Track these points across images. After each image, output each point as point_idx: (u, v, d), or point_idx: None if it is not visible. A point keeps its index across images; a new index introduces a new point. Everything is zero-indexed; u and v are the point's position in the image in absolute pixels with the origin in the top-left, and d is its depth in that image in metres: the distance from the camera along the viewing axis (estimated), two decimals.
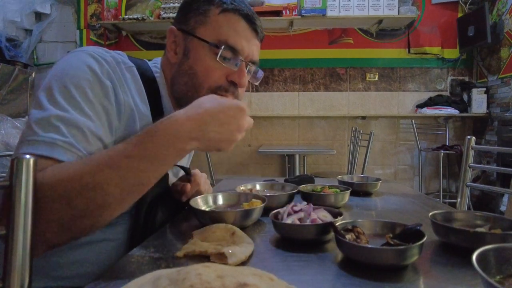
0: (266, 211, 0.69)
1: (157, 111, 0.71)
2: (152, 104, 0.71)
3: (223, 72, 0.70)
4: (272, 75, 3.68)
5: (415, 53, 3.56)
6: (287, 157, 3.34)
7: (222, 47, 0.68)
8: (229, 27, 0.69)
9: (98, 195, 0.50)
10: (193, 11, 0.71)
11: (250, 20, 0.71)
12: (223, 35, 0.69)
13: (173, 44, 0.73)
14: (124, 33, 3.68)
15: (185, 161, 0.95)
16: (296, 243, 0.59)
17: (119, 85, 0.63)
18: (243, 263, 0.50)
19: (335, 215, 0.63)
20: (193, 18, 0.71)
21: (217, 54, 0.68)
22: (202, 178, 0.82)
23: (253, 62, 0.75)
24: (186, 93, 0.71)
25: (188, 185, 0.76)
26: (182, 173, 0.86)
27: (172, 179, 0.84)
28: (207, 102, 0.57)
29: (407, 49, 3.56)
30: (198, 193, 0.80)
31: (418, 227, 0.52)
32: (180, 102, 0.73)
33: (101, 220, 0.53)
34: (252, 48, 0.73)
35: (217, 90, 0.70)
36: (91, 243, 0.65)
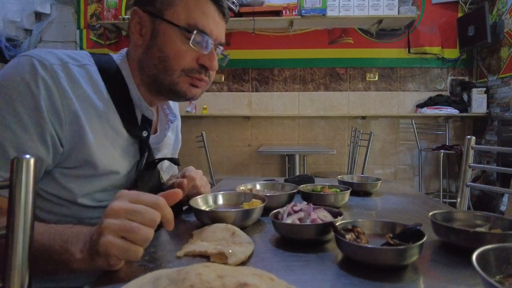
0: (266, 211, 0.69)
1: (124, 103, 0.71)
2: (119, 98, 0.70)
3: (194, 56, 0.70)
4: (272, 75, 3.68)
5: (415, 53, 3.56)
6: (287, 157, 3.34)
7: (194, 32, 0.67)
8: (197, 10, 0.68)
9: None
10: None
11: (217, 2, 0.71)
12: (192, 18, 0.68)
13: (138, 26, 0.71)
14: (124, 33, 3.68)
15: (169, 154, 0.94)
16: (296, 243, 0.58)
17: (56, 89, 0.61)
18: (243, 263, 0.50)
19: (335, 215, 0.63)
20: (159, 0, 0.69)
21: (188, 39, 0.68)
22: (197, 173, 0.80)
23: (221, 44, 0.75)
24: (158, 76, 0.70)
25: (184, 180, 0.75)
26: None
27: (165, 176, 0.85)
28: None
29: (407, 49, 3.56)
30: (195, 188, 0.79)
31: (418, 227, 0.52)
32: (152, 86, 0.73)
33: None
34: (220, 30, 0.72)
35: (189, 73, 0.70)
36: None
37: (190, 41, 0.67)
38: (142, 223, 0.45)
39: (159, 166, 0.80)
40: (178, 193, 0.53)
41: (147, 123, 0.76)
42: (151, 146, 0.79)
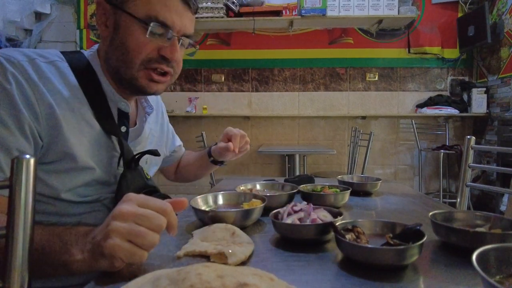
0: (266, 211, 0.69)
1: (96, 97, 0.71)
2: (91, 92, 0.70)
3: (154, 47, 0.69)
4: (272, 75, 3.68)
5: (415, 53, 3.56)
6: (287, 157, 3.34)
7: (151, 23, 0.67)
8: (158, 1, 0.67)
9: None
10: None
11: None
12: (153, 10, 0.67)
13: (103, 17, 0.71)
14: None
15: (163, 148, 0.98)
16: (296, 243, 0.58)
17: (27, 84, 0.61)
18: (243, 263, 0.50)
19: (335, 215, 0.63)
20: None
21: (147, 30, 0.67)
22: (240, 131, 0.93)
23: (187, 36, 0.74)
24: (119, 69, 0.71)
25: (230, 144, 0.87)
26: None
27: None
28: None
29: (407, 49, 3.56)
30: (247, 143, 0.94)
31: (418, 227, 0.52)
32: (114, 78, 0.73)
33: None
34: (184, 22, 0.71)
35: (149, 64, 0.70)
36: None
37: (147, 33, 0.67)
38: (149, 228, 0.46)
39: (142, 161, 0.78)
40: (184, 203, 0.53)
41: (124, 117, 0.76)
42: (132, 140, 0.78)
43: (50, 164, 0.65)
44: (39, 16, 3.66)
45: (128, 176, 0.73)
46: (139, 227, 0.45)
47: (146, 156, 0.79)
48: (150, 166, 0.89)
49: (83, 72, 0.71)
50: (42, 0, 3.55)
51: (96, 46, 0.77)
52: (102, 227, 0.48)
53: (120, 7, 0.68)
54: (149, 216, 0.46)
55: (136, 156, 0.75)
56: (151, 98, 0.89)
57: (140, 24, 0.67)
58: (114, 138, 0.73)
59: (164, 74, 0.73)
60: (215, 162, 1.03)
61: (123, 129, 0.76)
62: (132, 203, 0.47)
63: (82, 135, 0.67)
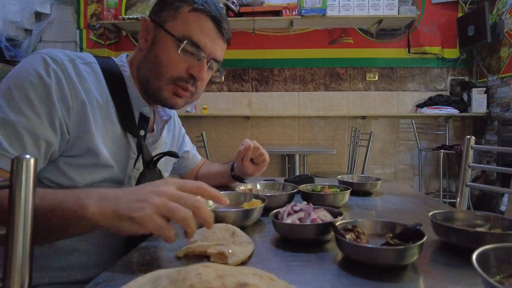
0: (266, 211, 0.69)
1: (121, 100, 0.76)
2: (117, 95, 0.75)
3: (184, 65, 0.75)
4: (272, 75, 3.68)
5: (415, 53, 3.56)
6: (287, 157, 3.35)
7: (185, 41, 0.73)
8: (195, 25, 0.74)
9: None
10: (167, 5, 0.76)
11: (217, 21, 0.76)
12: (188, 31, 0.74)
13: (145, 32, 0.78)
14: (124, 33, 3.68)
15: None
16: (296, 243, 0.58)
17: (65, 80, 0.66)
18: (243, 263, 0.50)
19: (335, 215, 0.63)
20: (166, 11, 0.76)
21: (180, 47, 0.73)
22: (254, 142, 0.94)
23: (216, 60, 0.79)
24: (149, 79, 0.76)
25: (242, 148, 0.91)
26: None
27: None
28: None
29: (407, 49, 3.56)
30: (261, 155, 0.96)
31: (418, 227, 0.52)
32: (143, 86, 0.79)
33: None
34: (215, 47, 0.77)
35: (177, 81, 0.75)
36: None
37: (179, 49, 0.73)
38: (184, 206, 0.48)
39: (159, 164, 0.82)
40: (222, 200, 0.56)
41: (144, 121, 0.81)
42: (149, 145, 0.82)
43: (74, 157, 0.69)
44: (39, 16, 3.66)
45: (148, 175, 0.77)
46: (173, 203, 0.47)
47: (161, 160, 0.82)
48: (163, 171, 0.91)
49: (113, 75, 0.77)
50: (42, 0, 3.55)
51: (124, 55, 0.84)
52: (135, 194, 0.49)
53: (161, 25, 0.75)
54: (185, 196, 0.49)
55: (155, 158, 0.79)
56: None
57: (175, 42, 0.73)
58: (132, 140, 0.77)
59: (185, 89, 0.77)
60: (235, 177, 1.05)
61: (142, 132, 0.80)
62: (171, 185, 0.51)
63: (106, 134, 0.72)
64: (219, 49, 0.79)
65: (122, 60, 0.82)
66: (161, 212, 0.47)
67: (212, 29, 0.76)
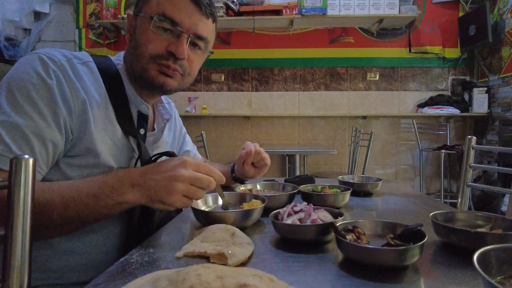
0: (266, 211, 0.68)
1: (118, 98, 0.75)
2: (115, 94, 0.75)
3: (163, 43, 0.73)
4: (272, 75, 3.68)
5: (416, 53, 3.55)
6: (287, 157, 3.34)
7: (155, 16, 0.72)
8: (168, 2, 0.73)
9: (42, 216, 0.57)
10: None
11: None
12: (161, 8, 0.73)
13: (129, 26, 0.79)
14: (123, 32, 3.68)
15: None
16: (296, 243, 0.58)
17: (65, 81, 0.66)
18: (243, 264, 0.50)
19: (336, 215, 0.63)
20: (142, 0, 0.76)
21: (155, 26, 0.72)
22: (256, 146, 0.98)
23: (199, 37, 0.76)
24: (133, 64, 0.76)
25: (243, 152, 0.94)
26: None
27: None
28: (160, 161, 0.66)
29: (408, 49, 3.55)
30: (263, 159, 0.99)
31: (419, 227, 0.51)
32: (133, 76, 0.78)
33: (38, 237, 0.61)
34: (193, 22, 0.74)
35: (158, 59, 0.73)
36: (77, 234, 0.68)
37: (151, 25, 0.72)
38: (200, 187, 0.62)
39: None
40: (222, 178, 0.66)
41: (143, 119, 0.80)
42: (150, 144, 0.82)
43: (74, 157, 0.69)
44: (38, 15, 3.66)
45: None
46: (193, 187, 0.61)
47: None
48: None
49: (109, 75, 0.76)
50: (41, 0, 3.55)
51: (122, 53, 0.83)
52: (163, 181, 0.60)
53: (138, 12, 0.75)
54: (201, 178, 0.61)
55: (153, 158, 0.78)
56: (169, 108, 0.93)
57: (149, 21, 0.72)
58: (132, 140, 0.76)
59: (168, 67, 0.75)
60: (236, 179, 1.05)
61: (142, 131, 0.79)
62: (189, 167, 0.61)
63: (106, 134, 0.72)
64: (200, 24, 0.75)
65: (119, 58, 0.81)
66: (185, 195, 0.60)
67: (187, 4, 0.73)
